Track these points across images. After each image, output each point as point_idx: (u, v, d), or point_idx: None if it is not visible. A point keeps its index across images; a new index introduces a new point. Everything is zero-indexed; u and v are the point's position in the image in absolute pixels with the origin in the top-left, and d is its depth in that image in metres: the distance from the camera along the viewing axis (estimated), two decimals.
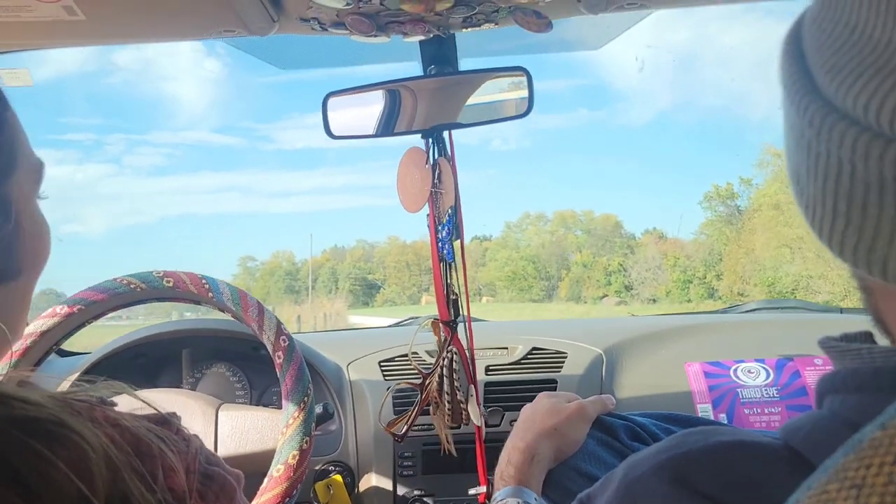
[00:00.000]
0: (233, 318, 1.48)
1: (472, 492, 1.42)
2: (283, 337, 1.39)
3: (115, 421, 0.53)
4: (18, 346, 1.38)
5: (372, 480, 1.58)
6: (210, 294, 1.43)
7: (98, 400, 0.54)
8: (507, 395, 1.62)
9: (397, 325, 2.31)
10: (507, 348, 1.75)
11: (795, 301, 2.69)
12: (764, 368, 1.65)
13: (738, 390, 1.61)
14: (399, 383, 1.58)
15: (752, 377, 1.63)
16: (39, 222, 0.68)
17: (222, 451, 1.39)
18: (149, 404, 0.60)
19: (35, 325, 1.40)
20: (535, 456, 1.08)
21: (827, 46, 0.42)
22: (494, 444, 1.55)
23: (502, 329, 1.99)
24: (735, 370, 1.66)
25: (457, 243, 1.32)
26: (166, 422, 0.58)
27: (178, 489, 0.53)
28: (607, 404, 1.18)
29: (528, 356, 1.72)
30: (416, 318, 2.37)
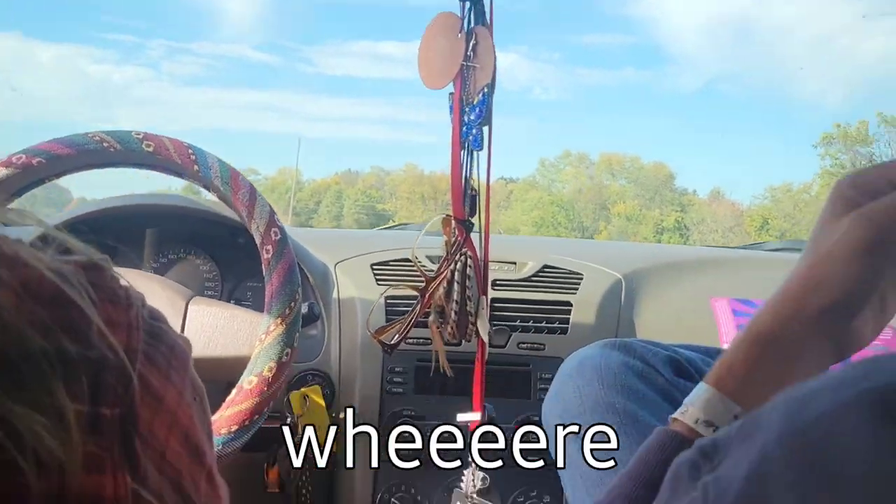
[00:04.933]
0: (218, 199, 1.26)
1: (461, 418, 1.22)
2: (275, 229, 1.17)
3: (15, 258, 0.33)
4: None
5: (355, 395, 1.38)
6: (196, 167, 1.20)
7: None
8: (514, 315, 1.43)
9: (388, 228, 2.10)
10: (515, 263, 1.54)
11: None
12: None
13: None
14: (395, 287, 1.38)
15: None
16: None
17: None
18: (76, 247, 0.40)
19: None
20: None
21: None
22: (496, 367, 1.38)
23: (512, 242, 1.80)
24: None
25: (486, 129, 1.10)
26: (96, 267, 0.38)
27: (121, 346, 0.35)
28: None
29: (540, 274, 1.51)
30: (407, 224, 2.16)
